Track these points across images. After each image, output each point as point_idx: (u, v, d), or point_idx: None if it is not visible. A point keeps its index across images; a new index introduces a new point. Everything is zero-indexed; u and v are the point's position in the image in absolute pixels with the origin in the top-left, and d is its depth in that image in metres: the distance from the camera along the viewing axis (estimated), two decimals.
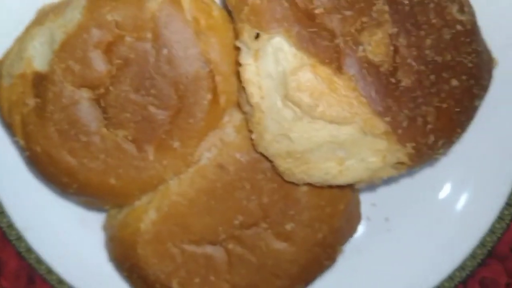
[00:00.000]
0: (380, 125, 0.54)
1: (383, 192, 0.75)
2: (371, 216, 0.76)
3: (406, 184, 0.74)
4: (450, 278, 0.75)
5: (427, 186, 0.75)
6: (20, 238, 0.77)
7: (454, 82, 0.56)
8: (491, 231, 0.72)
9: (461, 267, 0.75)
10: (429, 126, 0.55)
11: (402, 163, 0.57)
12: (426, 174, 0.73)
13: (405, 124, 0.53)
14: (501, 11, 0.64)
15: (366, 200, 0.76)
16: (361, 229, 0.75)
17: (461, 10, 0.57)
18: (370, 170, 0.57)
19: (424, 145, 0.55)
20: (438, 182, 0.74)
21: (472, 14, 0.58)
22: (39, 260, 0.78)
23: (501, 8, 0.64)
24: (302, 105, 0.54)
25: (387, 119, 0.53)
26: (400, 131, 0.53)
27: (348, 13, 0.53)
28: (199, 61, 0.61)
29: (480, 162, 0.72)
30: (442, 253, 0.75)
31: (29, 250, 0.78)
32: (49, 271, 0.79)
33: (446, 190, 0.75)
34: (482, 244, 0.73)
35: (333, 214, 0.67)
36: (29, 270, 0.78)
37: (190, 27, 0.60)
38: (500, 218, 0.72)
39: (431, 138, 0.55)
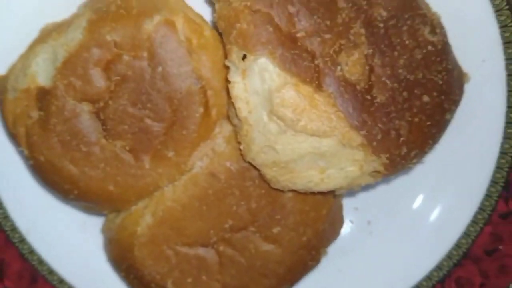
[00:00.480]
0: (357, 138, 0.57)
1: (365, 197, 0.78)
2: (354, 220, 0.79)
3: (386, 190, 0.76)
4: (428, 277, 0.78)
5: (405, 193, 0.77)
6: (23, 240, 0.79)
7: (426, 98, 0.59)
8: (466, 234, 0.75)
9: (438, 267, 0.78)
10: (402, 139, 0.58)
11: (378, 172, 0.60)
12: (404, 181, 0.75)
13: (379, 137, 0.57)
14: (472, 30, 0.67)
15: (349, 204, 0.79)
16: (345, 231, 0.77)
17: (433, 31, 0.60)
18: (349, 178, 0.61)
19: (398, 156, 0.59)
20: (413, 190, 0.76)
21: (443, 34, 0.62)
22: (41, 261, 0.80)
23: (472, 27, 0.67)
24: (285, 119, 0.57)
25: (363, 132, 0.57)
26: (375, 143, 0.57)
27: (327, 36, 0.57)
28: (192, 78, 0.64)
29: (455, 169, 0.74)
30: (420, 254, 0.78)
31: (32, 251, 0.80)
32: (51, 271, 0.81)
33: (423, 196, 0.76)
34: (457, 246, 0.76)
35: (316, 218, 0.70)
36: (32, 271, 0.80)
37: (183, 46, 0.63)
38: (474, 222, 0.75)
39: (404, 150, 0.59)
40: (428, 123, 0.60)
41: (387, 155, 0.58)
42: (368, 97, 0.57)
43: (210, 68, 0.64)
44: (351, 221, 0.78)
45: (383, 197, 0.78)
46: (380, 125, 0.57)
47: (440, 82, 0.60)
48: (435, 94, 0.60)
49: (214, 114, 0.65)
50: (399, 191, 0.77)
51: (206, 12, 0.68)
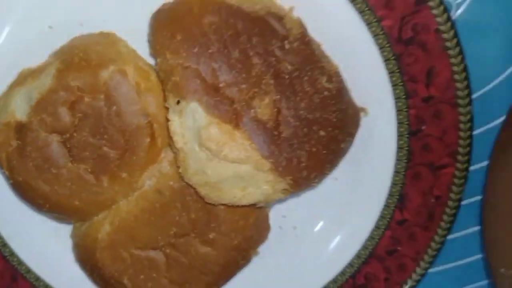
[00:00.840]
0: (267, 165, 0.68)
1: (291, 206, 0.86)
2: (282, 225, 0.87)
3: (308, 200, 0.86)
4: (342, 273, 0.87)
5: (322, 204, 0.86)
6: (5, 244, 0.85)
7: (322, 133, 0.70)
8: (371, 237, 0.85)
9: (350, 265, 0.87)
10: (302, 164, 0.69)
11: (286, 190, 0.71)
12: (319, 193, 0.84)
13: (284, 163, 0.68)
14: (367, 76, 0.77)
15: (278, 213, 0.86)
16: (275, 235, 0.84)
17: (329, 80, 0.71)
18: (264, 194, 0.71)
19: (300, 178, 0.70)
20: (327, 202, 0.85)
21: (339, 82, 0.72)
22: (20, 262, 0.86)
23: (367, 74, 0.76)
24: (212, 150, 0.67)
25: (271, 160, 0.68)
26: (280, 168, 0.68)
27: (243, 86, 0.67)
28: (140, 115, 0.71)
29: (360, 184, 0.83)
30: (336, 253, 0.87)
31: (12, 254, 0.86)
32: (28, 270, 0.86)
33: (336, 209, 0.85)
34: (365, 247, 0.85)
35: (245, 226, 0.77)
36: (12, 271, 0.86)
37: (133, 90, 0.71)
38: (377, 227, 0.84)
39: (305, 173, 0.70)
40: (324, 152, 0.71)
41: (291, 177, 0.69)
42: (276, 132, 0.68)
43: (155, 106, 0.72)
44: (280, 227, 0.87)
45: (305, 206, 0.87)
46: (285, 154, 0.69)
47: (335, 120, 0.71)
48: (330, 129, 0.71)
49: (159, 143, 0.73)
50: (317, 202, 0.86)
51: (153, 60, 0.75)
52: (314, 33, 0.74)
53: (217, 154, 0.68)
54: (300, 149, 0.70)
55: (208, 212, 0.76)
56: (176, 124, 0.69)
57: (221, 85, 0.67)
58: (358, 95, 0.77)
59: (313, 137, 0.70)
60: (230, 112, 0.67)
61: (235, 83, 0.67)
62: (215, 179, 0.70)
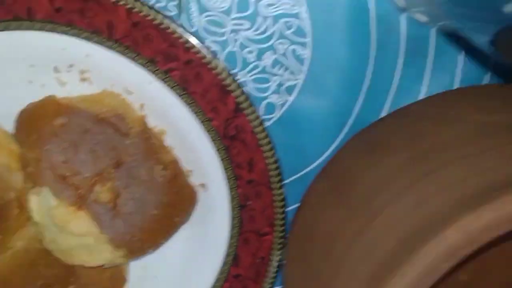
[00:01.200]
0: (105, 238, 0.84)
1: (150, 260, 1.00)
2: (141, 275, 0.97)
3: (162, 255, 1.00)
4: None
5: (173, 257, 1.02)
6: None
7: (155, 211, 0.82)
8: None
9: None
10: (136, 238, 0.85)
11: (124, 257, 0.89)
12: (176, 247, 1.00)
13: (119, 237, 0.84)
14: (204, 160, 0.93)
15: (138, 265, 0.98)
16: (137, 282, 0.99)
17: (165, 168, 0.85)
18: (108, 259, 0.86)
19: (135, 248, 0.85)
20: (178, 257, 1.01)
21: (174, 169, 0.88)
22: None
23: (204, 159, 0.92)
24: (60, 226, 0.78)
25: (109, 235, 0.84)
26: (117, 241, 0.85)
27: (87, 174, 0.79)
28: (10, 190, 0.81)
29: (203, 245, 1.00)
30: None
31: None
32: None
33: (183, 263, 1.01)
34: None
35: (101, 279, 0.89)
36: None
37: (5, 170, 0.81)
38: (217, 280, 0.96)
39: (139, 244, 0.85)
40: (157, 227, 0.85)
41: (126, 248, 0.85)
42: (114, 212, 0.83)
43: (22, 183, 0.87)
44: (139, 277, 0.97)
45: (163, 260, 1.00)
46: (121, 230, 0.84)
47: (166, 200, 0.86)
48: (163, 207, 0.86)
49: (26, 212, 0.86)
50: (171, 256, 0.99)
51: None
52: (160, 126, 0.92)
53: (64, 229, 0.79)
54: (134, 225, 0.86)
55: (67, 268, 0.87)
56: (33, 202, 0.80)
57: (68, 174, 0.79)
58: (199, 175, 0.94)
59: (147, 215, 0.87)
60: (75, 196, 0.83)
61: (80, 172, 0.80)
62: (65, 247, 0.82)
